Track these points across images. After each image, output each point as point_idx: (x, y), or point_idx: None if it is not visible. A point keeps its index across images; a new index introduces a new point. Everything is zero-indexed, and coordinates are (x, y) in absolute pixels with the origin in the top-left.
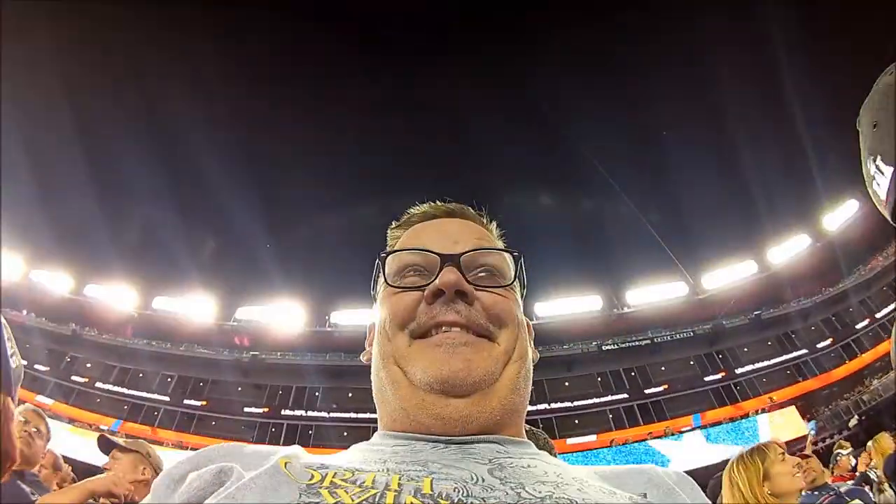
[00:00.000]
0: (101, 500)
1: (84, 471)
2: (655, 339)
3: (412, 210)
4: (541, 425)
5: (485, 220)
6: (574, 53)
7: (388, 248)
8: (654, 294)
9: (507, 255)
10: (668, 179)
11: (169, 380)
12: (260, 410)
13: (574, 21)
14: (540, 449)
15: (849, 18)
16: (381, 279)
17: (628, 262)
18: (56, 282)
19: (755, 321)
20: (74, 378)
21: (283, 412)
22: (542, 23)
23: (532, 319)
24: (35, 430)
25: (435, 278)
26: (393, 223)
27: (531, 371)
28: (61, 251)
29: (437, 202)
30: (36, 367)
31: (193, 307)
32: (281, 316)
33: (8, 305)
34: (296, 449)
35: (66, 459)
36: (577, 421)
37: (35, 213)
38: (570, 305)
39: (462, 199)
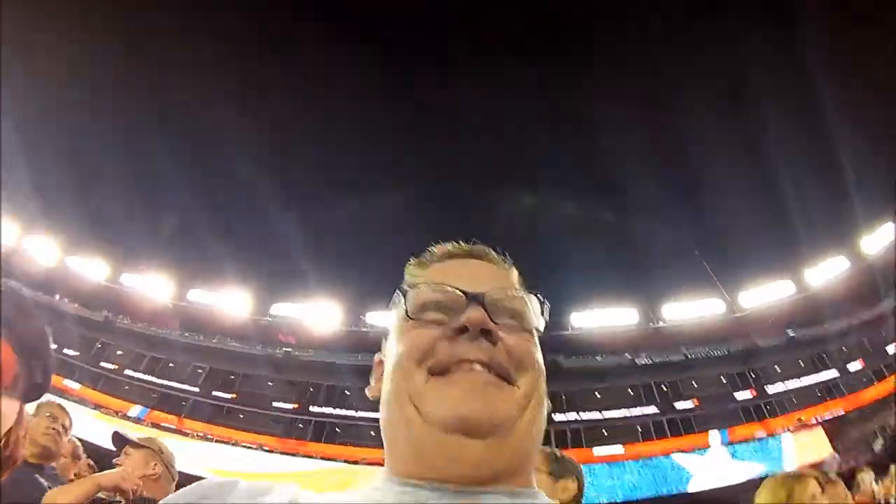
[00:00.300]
0: (117, 496)
1: (106, 456)
2: (689, 355)
3: (433, 249)
4: (569, 435)
5: (507, 264)
6: (619, 75)
7: (407, 285)
8: (690, 310)
9: (529, 298)
10: (710, 197)
11: (200, 371)
12: (289, 406)
13: (616, 42)
14: (568, 473)
15: (883, 47)
16: (399, 313)
17: (667, 276)
18: (92, 269)
19: (789, 341)
20: (103, 364)
21: (311, 409)
22: (585, 44)
23: (568, 329)
24: (61, 427)
25: (459, 316)
26: (411, 259)
27: (545, 420)
28: (99, 239)
29: (460, 242)
30: (65, 351)
31: (229, 301)
32: (316, 314)
33: (42, 290)
34: (293, 489)
35: (89, 445)
36: (605, 432)
37: (73, 200)
38: (607, 317)
39: (500, 208)
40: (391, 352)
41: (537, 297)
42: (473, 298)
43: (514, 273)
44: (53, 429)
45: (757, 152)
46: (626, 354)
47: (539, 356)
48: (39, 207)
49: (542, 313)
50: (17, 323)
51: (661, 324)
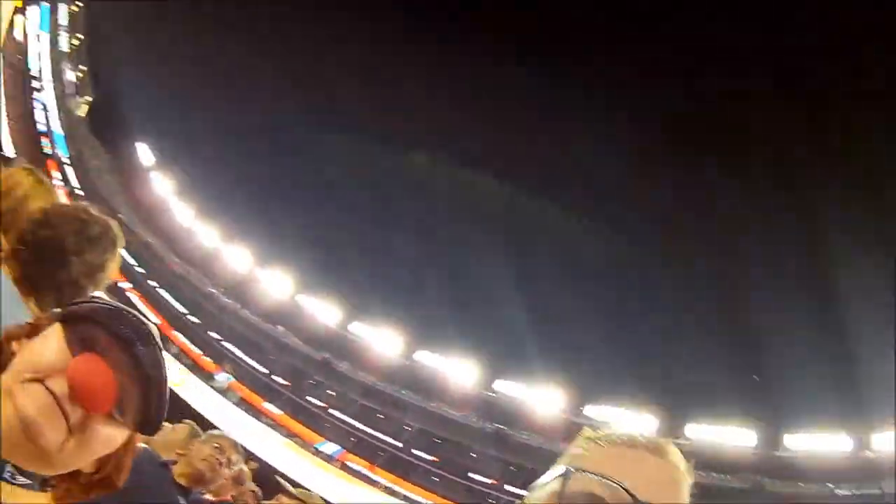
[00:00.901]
0: None
1: (278, 484)
2: (884, 490)
3: (616, 429)
4: None
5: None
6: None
7: (575, 448)
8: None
9: None
10: (850, 327)
11: (407, 428)
12: (486, 480)
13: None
14: None
15: None
16: (552, 489)
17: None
18: (323, 310)
19: None
20: (310, 399)
21: (506, 487)
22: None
23: (779, 450)
24: (226, 459)
25: None
26: (588, 429)
27: None
28: (337, 282)
29: (646, 434)
30: (274, 377)
31: (455, 368)
32: (538, 397)
33: (270, 320)
34: None
35: (268, 469)
36: None
37: (316, 242)
38: (819, 441)
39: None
40: None
41: None
42: None
43: None
44: (217, 458)
45: None
46: (829, 484)
47: None
48: (277, 241)
49: None
50: (130, 346)
51: (868, 454)
